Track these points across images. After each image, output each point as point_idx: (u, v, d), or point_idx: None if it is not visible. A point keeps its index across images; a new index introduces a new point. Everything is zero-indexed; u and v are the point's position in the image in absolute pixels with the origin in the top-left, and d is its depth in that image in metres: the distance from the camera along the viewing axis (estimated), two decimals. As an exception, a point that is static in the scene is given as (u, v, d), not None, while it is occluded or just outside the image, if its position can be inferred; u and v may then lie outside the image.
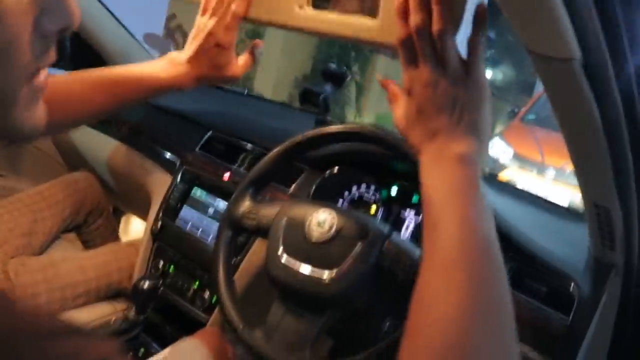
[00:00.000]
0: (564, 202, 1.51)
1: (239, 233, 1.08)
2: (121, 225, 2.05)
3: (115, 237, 1.81)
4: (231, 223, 1.07)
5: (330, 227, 0.93)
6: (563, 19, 0.56)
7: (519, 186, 1.58)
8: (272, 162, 1.09)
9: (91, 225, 1.72)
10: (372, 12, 0.69)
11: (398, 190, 1.25)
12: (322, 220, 0.94)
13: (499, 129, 7.62)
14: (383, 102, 8.43)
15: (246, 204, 1.06)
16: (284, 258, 0.95)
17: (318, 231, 0.94)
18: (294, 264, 0.94)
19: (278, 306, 0.96)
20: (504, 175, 5.60)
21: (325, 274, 0.91)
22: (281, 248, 0.96)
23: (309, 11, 0.77)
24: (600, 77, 0.64)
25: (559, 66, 0.63)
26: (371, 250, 0.91)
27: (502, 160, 5.92)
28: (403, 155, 0.97)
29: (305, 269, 0.92)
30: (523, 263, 1.05)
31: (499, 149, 6.08)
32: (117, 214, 2.04)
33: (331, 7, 0.76)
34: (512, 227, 1.08)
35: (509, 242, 1.07)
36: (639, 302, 1.02)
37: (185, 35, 6.12)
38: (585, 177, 0.87)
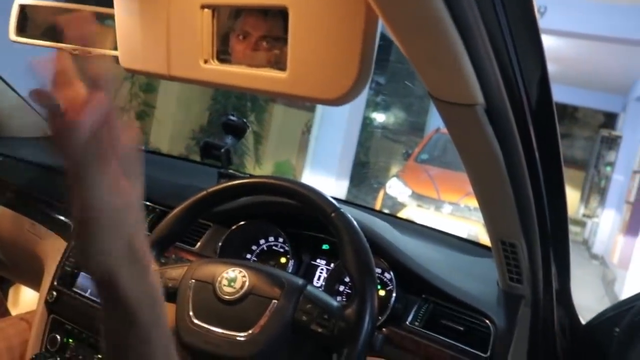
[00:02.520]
0: (463, 236, 1.57)
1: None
2: (9, 298, 1.87)
3: (3, 311, 1.65)
4: (135, 288, 0.99)
5: (242, 286, 0.90)
6: (467, 67, 0.57)
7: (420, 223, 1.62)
8: (175, 221, 1.04)
9: None
10: (279, 65, 0.67)
11: (307, 240, 1.23)
12: (232, 278, 0.91)
13: (395, 169, 7.91)
14: (281, 150, 8.53)
15: (151, 267, 1.00)
16: (195, 322, 0.90)
17: (229, 291, 0.90)
18: (206, 327, 0.89)
19: (190, 373, 0.90)
20: (403, 214, 5.78)
21: (241, 335, 0.87)
22: (191, 312, 0.91)
23: (215, 65, 0.75)
24: (502, 121, 0.66)
25: (464, 111, 0.65)
26: (286, 306, 0.88)
27: (400, 199, 6.12)
28: (314, 206, 0.95)
29: (219, 331, 0.88)
30: (437, 304, 1.06)
31: (397, 188, 6.29)
32: (4, 285, 1.87)
33: (236, 60, 0.74)
34: (424, 267, 1.09)
35: (422, 284, 1.08)
36: (547, 329, 1.06)
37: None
38: (491, 215, 0.89)
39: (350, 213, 0.96)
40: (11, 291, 1.88)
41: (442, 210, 5.83)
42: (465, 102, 0.63)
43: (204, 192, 1.04)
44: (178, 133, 7.33)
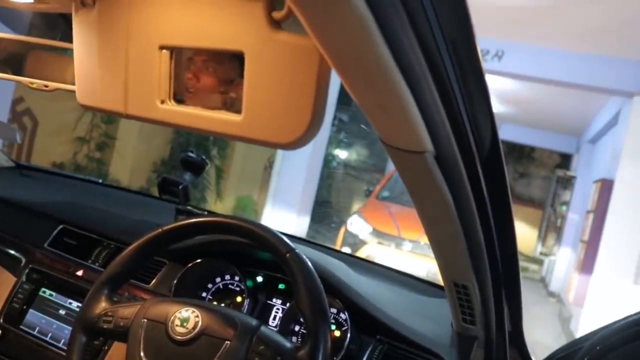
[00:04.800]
0: (421, 273, 1.59)
1: (95, 337, 0.99)
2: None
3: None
4: (85, 326, 0.97)
5: (195, 326, 0.89)
6: (415, 116, 0.59)
7: (379, 260, 1.63)
8: (129, 259, 1.02)
9: None
10: (235, 108, 0.69)
11: (263, 279, 1.23)
12: (184, 318, 0.89)
13: (357, 206, 7.95)
14: (243, 185, 8.50)
15: (102, 305, 0.98)
16: (145, 362, 0.88)
17: (181, 331, 0.88)
18: (157, 367, 0.87)
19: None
20: (364, 251, 5.79)
21: (192, 377, 0.85)
22: (142, 352, 0.89)
23: (172, 106, 0.76)
24: (451, 167, 0.68)
25: (413, 158, 0.67)
26: (239, 347, 0.87)
27: (361, 237, 6.14)
28: (269, 246, 0.96)
29: (170, 373, 0.86)
30: (392, 345, 1.06)
31: (358, 226, 6.31)
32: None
33: (192, 102, 0.75)
34: (379, 309, 1.10)
35: (377, 325, 1.08)
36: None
37: (34, 120, 5.79)
38: (443, 258, 0.91)
39: (306, 252, 0.97)
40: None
41: (403, 248, 5.87)
42: (415, 149, 0.65)
43: (159, 230, 1.03)
44: (139, 165, 7.25)
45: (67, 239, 1.37)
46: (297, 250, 0.94)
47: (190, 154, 1.47)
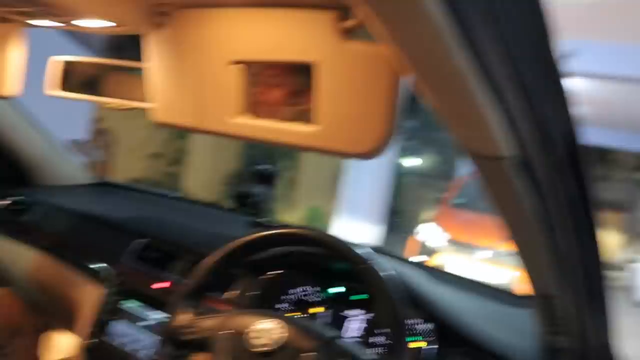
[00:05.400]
0: (502, 283, 1.53)
1: (180, 348, 1.01)
2: (50, 343, 1.89)
3: (41, 356, 1.67)
4: (171, 338, 1.00)
5: (275, 338, 0.89)
6: (495, 120, 0.57)
7: (455, 270, 1.59)
8: (210, 271, 1.04)
9: (12, 346, 1.58)
10: (307, 119, 0.69)
11: (341, 290, 1.22)
12: (265, 330, 0.90)
13: (429, 215, 7.82)
14: (313, 196, 8.54)
15: (185, 317, 1.00)
16: (227, 374, 0.89)
17: (261, 342, 0.89)
18: (238, 379, 0.88)
19: None
20: (438, 260, 5.68)
21: (273, 389, 0.85)
22: (224, 362, 0.90)
23: (246, 119, 0.77)
24: (534, 173, 0.65)
25: (494, 164, 0.64)
26: (319, 359, 0.86)
27: (434, 245, 6.03)
28: (343, 258, 0.95)
29: (251, 383, 0.87)
30: (477, 357, 1.02)
31: (430, 234, 6.21)
32: (46, 331, 1.89)
33: (264, 115, 0.75)
34: (461, 320, 1.07)
35: (461, 337, 1.05)
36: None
37: (113, 138, 6.07)
38: (528, 268, 0.87)
39: (383, 263, 0.95)
40: (47, 338, 1.90)
41: (479, 256, 5.71)
42: (496, 154, 0.63)
43: (239, 242, 1.04)
44: (211, 178, 7.44)
45: (148, 253, 1.42)
46: (371, 262, 0.93)
47: (261, 166, 1.50)
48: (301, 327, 0.91)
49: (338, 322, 1.19)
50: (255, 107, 0.77)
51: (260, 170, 1.49)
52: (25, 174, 1.87)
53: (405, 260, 1.45)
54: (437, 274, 1.42)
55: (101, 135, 5.84)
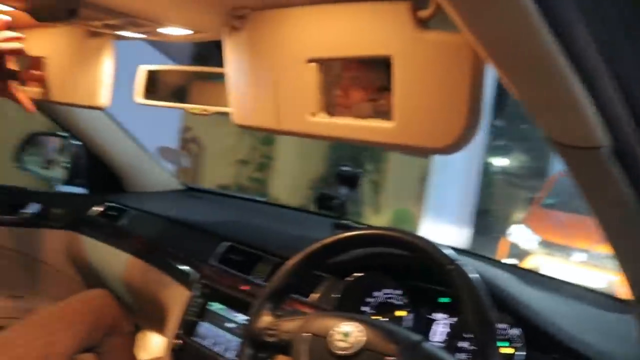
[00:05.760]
0: (597, 287, 1.43)
1: (261, 350, 1.01)
2: (143, 343, 1.97)
3: (134, 356, 1.74)
4: (252, 340, 1.00)
5: (356, 341, 0.87)
6: (588, 108, 0.53)
7: (548, 273, 1.50)
8: (291, 273, 1.04)
9: (108, 345, 1.65)
10: (386, 115, 0.66)
11: (426, 293, 1.18)
12: (346, 333, 0.88)
13: (519, 216, 7.53)
14: (399, 198, 8.45)
15: (266, 319, 1.00)
16: (309, 376, 0.88)
17: (343, 345, 0.87)
18: (319, 382, 0.87)
19: None
20: (530, 263, 5.46)
21: (354, 393, 0.83)
22: (305, 366, 0.89)
23: (323, 118, 0.76)
24: (632, 162, 0.60)
25: (587, 155, 0.59)
26: (402, 363, 0.83)
27: (526, 247, 5.79)
28: (429, 258, 0.91)
29: (332, 387, 0.85)
30: None
31: (521, 236, 5.98)
32: (139, 331, 1.98)
33: (342, 112, 0.74)
34: (554, 324, 1.01)
35: (553, 342, 0.99)
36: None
37: (200, 146, 6.28)
38: (628, 269, 0.81)
39: (471, 264, 0.91)
40: (141, 338, 1.97)
41: (574, 258, 5.43)
42: (588, 144, 0.58)
43: (319, 244, 1.03)
44: (297, 183, 7.52)
45: (232, 255, 1.44)
46: (460, 262, 0.89)
47: (345, 168, 1.48)
48: (383, 330, 0.89)
49: (422, 325, 1.16)
50: (332, 106, 0.75)
51: (344, 172, 1.48)
52: (118, 181, 1.96)
53: (492, 261, 1.39)
54: (526, 275, 1.35)
55: (190, 143, 6.05)
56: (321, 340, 0.90)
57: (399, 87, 0.64)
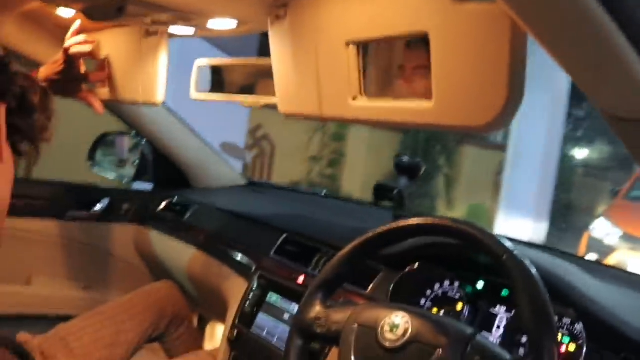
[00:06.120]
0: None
1: (310, 341, 1.00)
2: (207, 333, 2.01)
3: (198, 345, 1.78)
4: (301, 330, 0.99)
5: (405, 332, 0.84)
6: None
7: (632, 269, 1.40)
8: (341, 264, 1.02)
9: (173, 335, 1.70)
10: (426, 94, 0.64)
11: (485, 285, 1.13)
12: (394, 324, 0.86)
13: (601, 209, 7.18)
14: (474, 192, 8.25)
15: (316, 310, 0.99)
16: (356, 368, 0.86)
17: (391, 337, 0.85)
18: (368, 374, 0.84)
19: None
20: (613, 259, 5.18)
21: (402, 386, 0.81)
22: (353, 357, 0.87)
23: (364, 101, 0.74)
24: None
25: (635, 127, 0.54)
26: (452, 356, 0.80)
27: (609, 242, 5.50)
28: (483, 248, 0.87)
29: (380, 380, 0.83)
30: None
31: (604, 230, 5.68)
32: (204, 322, 2.02)
33: (382, 94, 0.72)
34: (624, 321, 0.94)
35: (622, 340, 0.92)
36: None
37: (272, 144, 6.37)
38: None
39: (531, 255, 0.86)
40: (208, 328, 2.02)
41: (663, 255, 5.11)
42: (631, 116, 0.53)
43: (370, 234, 1.01)
44: (369, 178, 7.48)
45: (290, 247, 1.44)
46: (515, 252, 0.85)
47: (404, 157, 1.45)
48: (434, 322, 0.85)
49: (483, 319, 1.11)
50: (373, 88, 0.73)
51: (402, 162, 1.44)
52: (184, 177, 2.01)
53: (556, 252, 1.32)
54: (592, 267, 1.27)
55: (261, 141, 6.15)
56: (369, 332, 0.88)
57: (437, 64, 0.61)
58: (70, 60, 1.23)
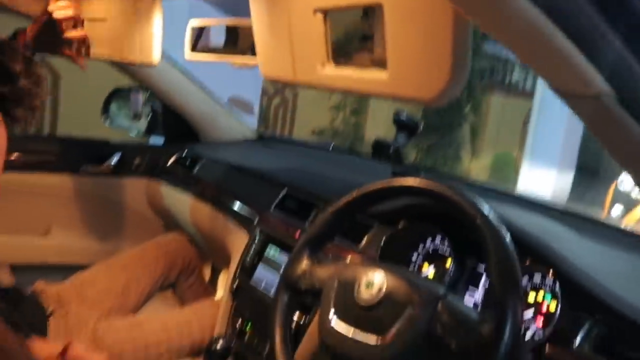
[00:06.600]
0: None
1: (296, 295, 1.04)
2: (219, 283, 2.08)
3: (209, 294, 1.85)
4: (287, 285, 1.04)
5: (380, 290, 0.88)
6: (575, 57, 0.49)
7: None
8: (326, 222, 1.05)
9: (184, 284, 1.78)
10: (382, 64, 0.65)
11: (472, 244, 1.15)
12: (370, 282, 0.89)
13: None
14: (500, 142, 8.13)
15: (302, 266, 1.03)
16: (334, 321, 0.90)
17: (367, 294, 0.88)
18: (344, 328, 0.89)
19: (330, 373, 0.91)
20: (637, 212, 5.10)
21: (373, 340, 0.85)
22: (332, 311, 0.92)
23: (331, 69, 0.75)
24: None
25: (590, 104, 0.55)
26: (421, 314, 0.83)
27: (635, 196, 5.40)
28: (457, 210, 0.89)
29: (354, 333, 0.87)
30: (613, 327, 0.90)
31: (631, 183, 5.57)
32: (216, 272, 2.09)
33: (349, 62, 0.73)
34: (599, 283, 0.94)
35: (594, 301, 0.93)
36: None
37: (294, 92, 6.32)
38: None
39: (519, 217, 0.87)
40: (220, 277, 2.08)
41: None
42: (587, 93, 0.54)
43: (354, 194, 1.04)
44: (393, 126, 7.42)
45: (289, 202, 1.47)
46: (488, 214, 0.86)
47: (402, 114, 1.45)
48: (408, 281, 0.88)
49: (465, 276, 1.14)
50: (339, 56, 0.74)
51: (401, 119, 1.44)
52: (194, 131, 2.05)
53: (540, 207, 1.32)
54: (585, 224, 1.28)
55: (282, 89, 6.11)
56: (348, 288, 0.91)
57: (390, 35, 0.62)
58: (53, 21, 1.29)
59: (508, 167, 7.99)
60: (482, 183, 1.91)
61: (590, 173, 7.08)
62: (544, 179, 6.36)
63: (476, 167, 7.85)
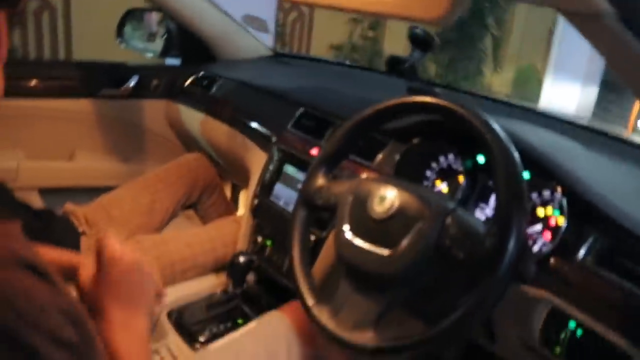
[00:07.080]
0: None
1: (313, 211, 1.09)
2: (240, 201, 2.15)
3: (230, 211, 1.92)
4: (304, 201, 1.08)
5: (392, 204, 0.91)
6: None
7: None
8: (342, 138, 1.08)
9: (205, 203, 1.84)
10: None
11: (484, 160, 1.18)
12: (383, 197, 0.93)
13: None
14: (524, 54, 7.91)
15: (319, 182, 1.07)
16: (349, 235, 0.95)
17: (380, 208, 0.92)
18: (358, 241, 0.93)
19: (345, 283, 0.96)
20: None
21: (386, 252, 0.89)
22: (346, 225, 0.96)
23: None
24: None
25: (592, 23, 0.56)
26: (431, 228, 0.87)
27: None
28: (465, 124, 0.91)
29: (368, 246, 0.92)
30: (616, 240, 0.92)
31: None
32: (237, 190, 2.15)
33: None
34: (601, 195, 0.96)
35: (598, 215, 0.95)
36: None
37: (312, 5, 6.16)
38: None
39: (518, 128, 0.88)
40: (241, 195, 2.15)
41: None
42: (590, 12, 0.54)
43: (367, 111, 1.06)
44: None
45: (305, 121, 1.49)
46: (494, 127, 0.88)
47: (417, 29, 1.43)
48: (419, 196, 0.92)
49: (477, 191, 1.17)
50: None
51: (416, 34, 1.43)
52: (210, 51, 2.04)
53: (551, 119, 1.32)
54: (594, 137, 1.28)
55: (300, 4, 5.96)
56: (362, 203, 0.95)
57: None
58: None
59: (531, 81, 7.83)
60: (502, 98, 1.89)
61: (615, 88, 6.91)
62: (567, 93, 6.24)
63: (498, 81, 7.71)
